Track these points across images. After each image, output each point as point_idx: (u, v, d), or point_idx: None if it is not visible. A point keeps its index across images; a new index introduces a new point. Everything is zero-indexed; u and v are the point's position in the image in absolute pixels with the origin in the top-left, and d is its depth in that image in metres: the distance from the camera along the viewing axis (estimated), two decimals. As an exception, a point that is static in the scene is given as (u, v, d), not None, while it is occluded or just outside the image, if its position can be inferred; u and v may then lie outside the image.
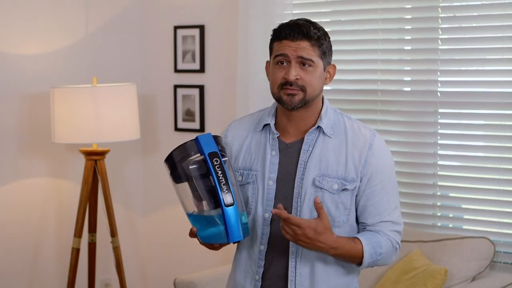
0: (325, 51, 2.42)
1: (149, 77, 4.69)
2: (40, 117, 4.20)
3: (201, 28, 4.44)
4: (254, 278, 2.46)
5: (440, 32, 3.71)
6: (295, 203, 2.42)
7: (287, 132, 2.48)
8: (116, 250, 4.20)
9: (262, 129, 2.51)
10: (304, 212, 2.40)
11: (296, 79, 2.37)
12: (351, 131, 2.45)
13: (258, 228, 2.46)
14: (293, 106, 2.39)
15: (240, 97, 4.10)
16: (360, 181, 2.42)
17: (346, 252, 2.36)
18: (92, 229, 4.20)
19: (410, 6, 3.83)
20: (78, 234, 4.10)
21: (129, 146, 4.62)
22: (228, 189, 2.31)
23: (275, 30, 2.43)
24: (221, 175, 2.32)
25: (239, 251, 2.53)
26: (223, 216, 2.31)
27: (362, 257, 2.37)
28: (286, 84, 2.38)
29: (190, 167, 2.35)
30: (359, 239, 2.38)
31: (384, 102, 3.89)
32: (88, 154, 4.08)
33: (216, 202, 2.33)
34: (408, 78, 3.92)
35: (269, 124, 2.49)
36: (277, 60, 2.40)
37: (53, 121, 3.97)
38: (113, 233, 4.19)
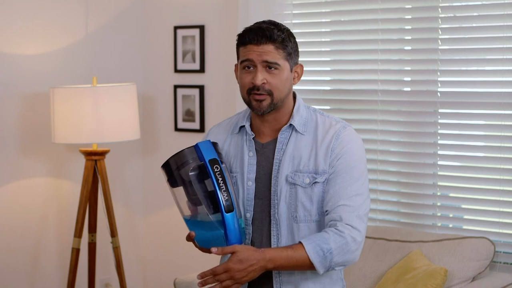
0: (291, 52, 2.47)
1: (149, 77, 4.69)
2: (40, 117, 4.20)
3: (201, 28, 4.44)
4: None
5: (440, 32, 3.71)
6: (273, 201, 2.48)
7: (262, 133, 2.54)
8: (116, 250, 4.20)
9: (239, 131, 2.57)
10: (282, 209, 2.46)
11: (263, 83, 2.43)
12: (322, 126, 2.50)
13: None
14: (262, 112, 2.47)
15: (240, 97, 4.08)
16: (329, 171, 2.46)
17: (288, 259, 2.35)
18: (92, 229, 4.20)
19: (410, 6, 3.83)
20: (78, 234, 4.10)
21: (129, 146, 4.62)
22: (228, 195, 2.36)
23: (239, 35, 2.49)
24: (222, 181, 2.36)
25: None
26: (223, 221, 2.35)
27: (309, 258, 2.35)
28: (253, 88, 2.44)
29: (190, 173, 2.38)
30: (299, 242, 2.38)
31: (384, 102, 3.89)
32: (88, 154, 4.09)
33: (215, 208, 2.36)
34: (408, 78, 3.92)
35: (244, 126, 2.56)
36: (243, 65, 2.46)
37: (53, 121, 3.97)
38: (113, 233, 4.19)
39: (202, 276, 2.35)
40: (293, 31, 4.01)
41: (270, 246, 2.47)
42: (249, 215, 2.49)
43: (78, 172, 4.30)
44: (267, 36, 2.42)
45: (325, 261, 2.36)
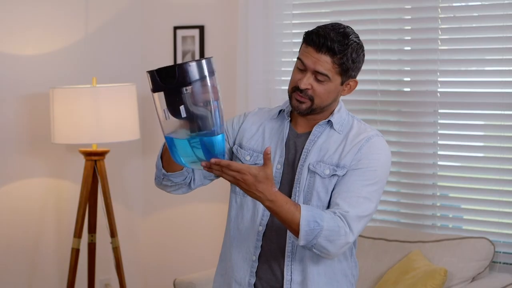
0: (348, 68, 2.43)
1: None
2: (40, 117, 4.20)
3: (201, 28, 4.45)
4: (252, 252, 2.53)
5: (440, 33, 3.71)
6: (294, 189, 2.49)
7: (299, 124, 2.56)
8: (116, 250, 4.20)
9: (278, 116, 2.59)
10: (300, 197, 2.47)
11: (307, 88, 2.43)
12: (356, 129, 2.52)
13: (259, 208, 2.51)
14: (299, 112, 2.49)
15: (239, 97, 4.10)
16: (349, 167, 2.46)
17: (282, 210, 2.31)
18: (92, 229, 4.20)
19: (410, 7, 3.83)
20: (77, 234, 4.10)
21: (129, 146, 4.62)
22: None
23: (307, 32, 2.46)
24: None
25: (238, 231, 2.58)
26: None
27: (299, 222, 2.32)
28: (298, 89, 2.45)
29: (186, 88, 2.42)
30: (300, 205, 2.35)
31: (384, 102, 3.89)
32: (88, 154, 4.09)
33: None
34: (408, 79, 3.92)
35: (283, 110, 2.57)
36: (298, 63, 2.48)
37: (53, 121, 3.97)
38: (113, 233, 4.19)
39: (213, 163, 2.26)
40: (293, 31, 4.09)
41: (286, 230, 2.48)
42: None
43: (78, 173, 4.30)
44: (328, 47, 2.39)
45: (310, 235, 2.32)
